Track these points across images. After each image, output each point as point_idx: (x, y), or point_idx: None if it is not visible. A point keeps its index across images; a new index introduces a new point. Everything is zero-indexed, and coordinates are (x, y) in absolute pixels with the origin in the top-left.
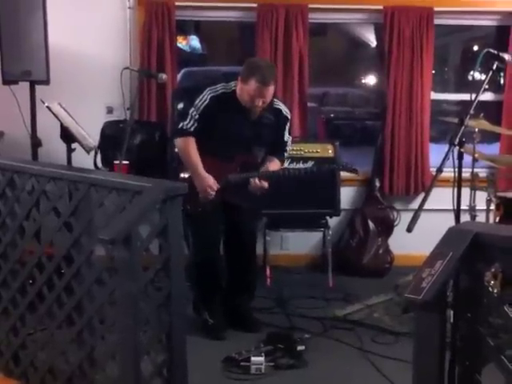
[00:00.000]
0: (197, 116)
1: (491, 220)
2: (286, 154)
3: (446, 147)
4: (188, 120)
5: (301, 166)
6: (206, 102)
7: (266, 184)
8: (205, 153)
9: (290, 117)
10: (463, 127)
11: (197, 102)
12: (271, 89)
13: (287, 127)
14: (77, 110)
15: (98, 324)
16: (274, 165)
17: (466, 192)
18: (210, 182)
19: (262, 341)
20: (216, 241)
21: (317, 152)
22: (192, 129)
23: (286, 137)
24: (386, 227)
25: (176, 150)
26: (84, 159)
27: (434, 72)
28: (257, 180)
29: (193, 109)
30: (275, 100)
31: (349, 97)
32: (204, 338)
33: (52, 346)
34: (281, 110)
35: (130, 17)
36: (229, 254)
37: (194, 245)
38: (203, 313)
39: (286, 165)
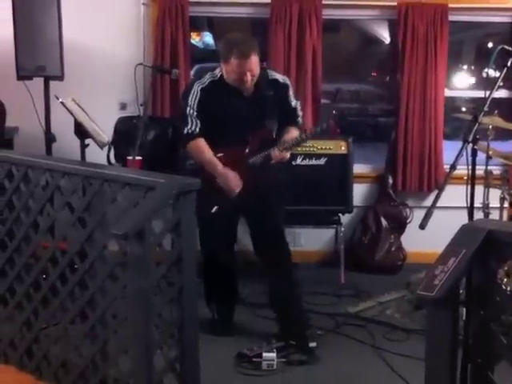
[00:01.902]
0: (195, 114)
1: (505, 218)
2: (299, 120)
3: (459, 144)
4: (190, 122)
5: (313, 162)
6: (198, 96)
7: (287, 154)
8: (216, 145)
9: (289, 83)
10: (477, 124)
11: (189, 100)
12: (254, 59)
13: (290, 93)
14: (90, 105)
15: (110, 319)
16: (291, 133)
17: (479, 189)
18: (231, 177)
19: (274, 337)
20: (224, 239)
21: (329, 149)
22: (197, 129)
23: (294, 103)
24: (399, 224)
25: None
26: (97, 155)
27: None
28: (277, 152)
29: (188, 108)
30: (269, 71)
31: (362, 93)
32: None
33: (65, 341)
34: (277, 80)
35: (144, 13)
36: (263, 261)
37: (200, 242)
38: (211, 308)
39: (298, 161)
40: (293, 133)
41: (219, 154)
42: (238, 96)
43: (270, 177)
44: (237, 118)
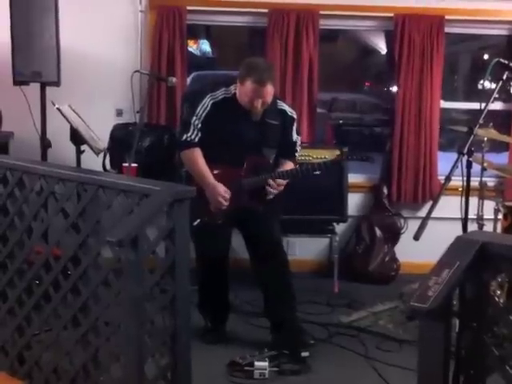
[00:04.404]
0: (199, 125)
1: (499, 229)
2: (297, 155)
3: (454, 156)
4: (191, 131)
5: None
6: (208, 109)
7: (284, 182)
8: (213, 161)
9: (295, 116)
10: (472, 136)
11: (198, 110)
12: (269, 88)
13: (294, 127)
14: (86, 112)
15: (103, 325)
16: (288, 166)
17: (473, 201)
18: (221, 190)
19: (267, 345)
20: (217, 250)
21: (324, 158)
22: (196, 139)
23: (295, 137)
24: (393, 235)
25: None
26: (93, 161)
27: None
28: (271, 181)
29: (195, 118)
30: (279, 101)
31: (358, 103)
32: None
33: (57, 347)
34: (285, 111)
35: (142, 20)
36: (258, 268)
37: (197, 255)
38: (204, 315)
39: None
40: (289, 166)
41: (215, 171)
42: (246, 118)
43: (261, 202)
44: (239, 140)
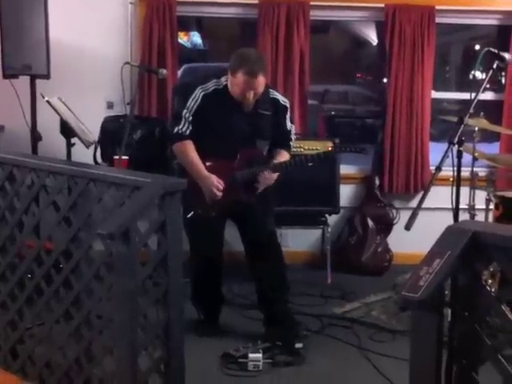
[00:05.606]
0: (190, 118)
1: (490, 219)
2: (291, 144)
3: (446, 146)
4: (182, 124)
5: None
6: (198, 101)
7: (274, 175)
8: (206, 154)
9: (288, 105)
10: (462, 126)
11: (189, 102)
12: (260, 79)
13: (287, 116)
14: (77, 104)
15: (95, 319)
16: (282, 156)
17: (465, 191)
18: (214, 181)
19: (260, 337)
20: (211, 242)
21: (316, 149)
22: (187, 132)
23: (289, 126)
24: (385, 225)
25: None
26: (84, 154)
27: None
28: (266, 173)
29: (185, 110)
30: (271, 90)
31: (349, 95)
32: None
33: (50, 341)
34: (278, 100)
35: (131, 12)
36: (253, 261)
37: (191, 247)
38: (197, 308)
39: None
40: (283, 156)
41: (207, 163)
42: (238, 110)
43: (253, 195)
44: (231, 132)
